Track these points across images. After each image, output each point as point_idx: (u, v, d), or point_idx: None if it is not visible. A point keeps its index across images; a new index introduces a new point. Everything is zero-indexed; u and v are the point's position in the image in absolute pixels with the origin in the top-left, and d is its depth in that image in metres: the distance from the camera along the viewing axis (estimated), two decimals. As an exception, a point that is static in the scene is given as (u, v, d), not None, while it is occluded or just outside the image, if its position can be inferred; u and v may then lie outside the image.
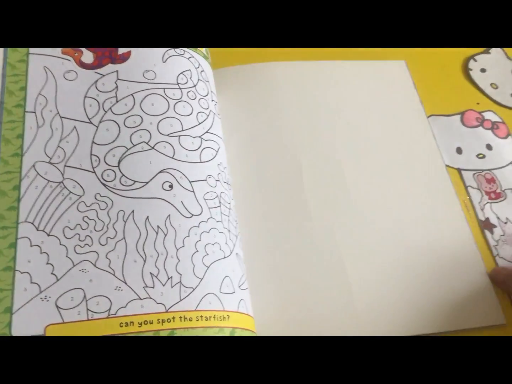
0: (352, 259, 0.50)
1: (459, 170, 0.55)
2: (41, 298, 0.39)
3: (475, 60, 0.63)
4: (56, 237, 0.41)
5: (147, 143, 0.45)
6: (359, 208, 0.52)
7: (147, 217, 0.42)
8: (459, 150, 0.56)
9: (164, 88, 0.47)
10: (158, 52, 0.49)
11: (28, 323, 0.38)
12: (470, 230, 0.52)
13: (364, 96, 0.59)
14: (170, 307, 0.40)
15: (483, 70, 0.62)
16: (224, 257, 0.44)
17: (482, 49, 0.64)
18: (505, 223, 0.51)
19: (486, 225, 0.51)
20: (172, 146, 0.45)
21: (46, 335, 0.38)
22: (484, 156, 0.55)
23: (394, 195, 0.53)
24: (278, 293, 0.49)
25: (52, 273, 0.39)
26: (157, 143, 0.45)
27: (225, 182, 0.48)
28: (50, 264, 0.40)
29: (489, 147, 0.55)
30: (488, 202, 0.52)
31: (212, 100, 0.52)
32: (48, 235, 0.41)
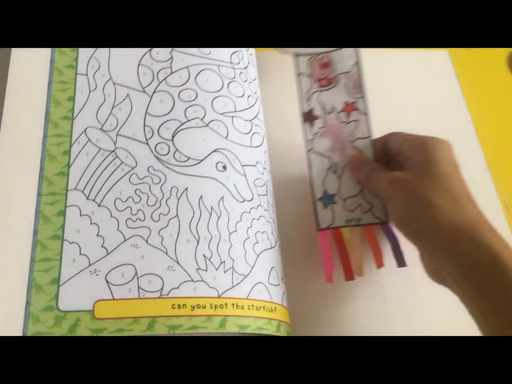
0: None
1: (295, 55, 0.49)
2: (90, 272, 0.36)
3: None
4: (107, 208, 0.38)
5: (201, 120, 0.43)
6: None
7: (201, 197, 0.40)
8: None
9: (218, 65, 0.46)
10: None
11: (76, 296, 0.36)
12: (509, 230, 0.51)
13: (405, 85, 0.57)
14: (223, 293, 0.38)
15: None
16: (271, 247, 0.43)
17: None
18: (329, 113, 0.47)
19: (307, 117, 0.47)
20: (225, 126, 0.43)
21: (95, 311, 0.35)
22: None
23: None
24: (309, 290, 0.47)
25: (102, 246, 0.37)
26: (211, 121, 0.43)
27: (269, 171, 0.47)
28: (101, 236, 0.37)
29: None
30: (316, 91, 0.48)
31: (258, 86, 0.50)
32: (99, 205, 0.38)
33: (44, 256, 0.36)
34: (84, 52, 0.43)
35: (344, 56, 0.49)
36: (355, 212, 0.45)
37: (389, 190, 0.42)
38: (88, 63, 0.42)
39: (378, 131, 0.47)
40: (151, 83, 0.43)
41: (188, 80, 0.44)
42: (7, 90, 0.40)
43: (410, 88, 0.57)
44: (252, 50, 0.51)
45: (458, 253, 0.37)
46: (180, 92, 0.43)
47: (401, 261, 0.45)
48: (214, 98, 0.44)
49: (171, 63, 0.44)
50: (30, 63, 0.42)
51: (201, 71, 0.45)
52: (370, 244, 0.45)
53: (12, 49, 0.42)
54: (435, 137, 0.42)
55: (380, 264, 0.45)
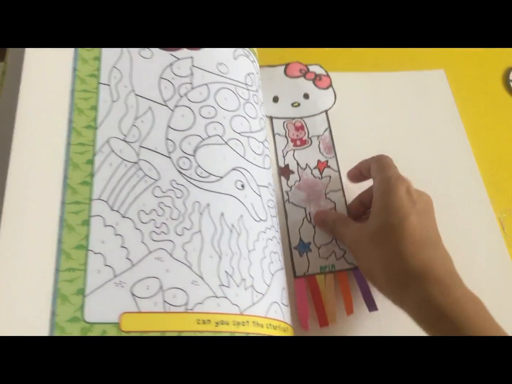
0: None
1: (270, 118, 0.54)
2: (115, 283, 0.36)
3: None
4: (131, 219, 0.38)
5: (221, 137, 0.43)
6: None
7: (222, 214, 0.40)
8: (275, 99, 0.54)
9: (235, 85, 0.46)
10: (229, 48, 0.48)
11: (101, 308, 0.35)
12: (506, 249, 0.51)
13: (402, 105, 0.58)
14: (244, 310, 0.38)
15: None
16: (281, 268, 0.43)
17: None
18: (304, 169, 0.51)
19: (284, 172, 0.51)
20: (243, 145, 0.44)
21: (121, 323, 0.34)
22: (299, 105, 0.54)
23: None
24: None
25: (127, 258, 0.36)
26: (230, 139, 0.43)
27: (275, 194, 0.47)
28: (125, 247, 0.37)
29: (306, 96, 0.55)
30: (292, 149, 0.52)
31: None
32: (123, 216, 0.38)
33: (69, 265, 0.35)
34: (106, 62, 0.42)
35: (316, 122, 0.54)
36: (329, 259, 0.48)
37: (352, 247, 0.45)
38: (110, 74, 0.42)
39: (376, 151, 0.47)
40: (172, 97, 0.43)
41: (208, 97, 0.44)
42: (27, 95, 0.39)
43: (406, 108, 0.57)
44: (259, 74, 0.51)
45: (407, 308, 0.40)
46: (201, 108, 0.43)
47: (371, 306, 0.46)
48: (233, 117, 0.44)
49: (191, 79, 0.44)
50: (52, 70, 0.41)
51: (219, 89, 0.45)
52: (341, 290, 0.47)
53: (29, 52, 0.41)
54: (391, 179, 0.43)
55: (349, 311, 0.46)
